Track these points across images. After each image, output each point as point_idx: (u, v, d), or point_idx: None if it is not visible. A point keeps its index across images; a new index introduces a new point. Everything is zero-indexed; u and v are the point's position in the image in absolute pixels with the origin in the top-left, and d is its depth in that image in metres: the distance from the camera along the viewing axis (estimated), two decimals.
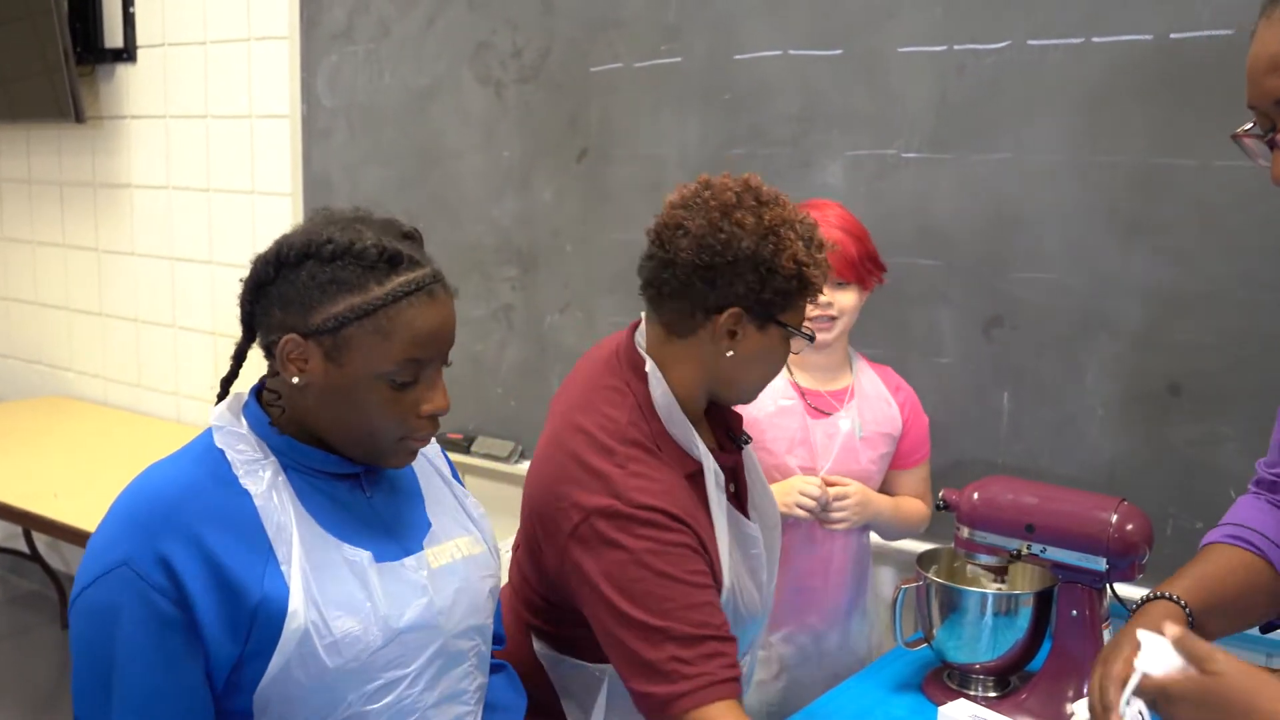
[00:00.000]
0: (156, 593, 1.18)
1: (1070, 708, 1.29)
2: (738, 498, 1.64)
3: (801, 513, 2.01)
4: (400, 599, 1.30)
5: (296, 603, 1.22)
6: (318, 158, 3.27)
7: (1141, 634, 1.16)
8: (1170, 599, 1.31)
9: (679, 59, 2.59)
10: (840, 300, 2.03)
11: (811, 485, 2.01)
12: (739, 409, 1.69)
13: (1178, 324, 2.04)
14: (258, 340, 1.31)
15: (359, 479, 1.35)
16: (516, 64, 2.86)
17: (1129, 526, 1.74)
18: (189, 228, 3.65)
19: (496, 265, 2.95)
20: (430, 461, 1.48)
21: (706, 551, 1.49)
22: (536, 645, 1.64)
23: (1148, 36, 2.02)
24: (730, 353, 1.50)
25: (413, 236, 1.32)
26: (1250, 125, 1.20)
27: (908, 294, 2.30)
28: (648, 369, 1.53)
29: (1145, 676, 1.11)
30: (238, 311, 1.32)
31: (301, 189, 3.31)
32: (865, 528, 2.14)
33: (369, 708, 1.26)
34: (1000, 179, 2.20)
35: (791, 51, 2.42)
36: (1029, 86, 2.15)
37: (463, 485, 1.51)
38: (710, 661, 1.40)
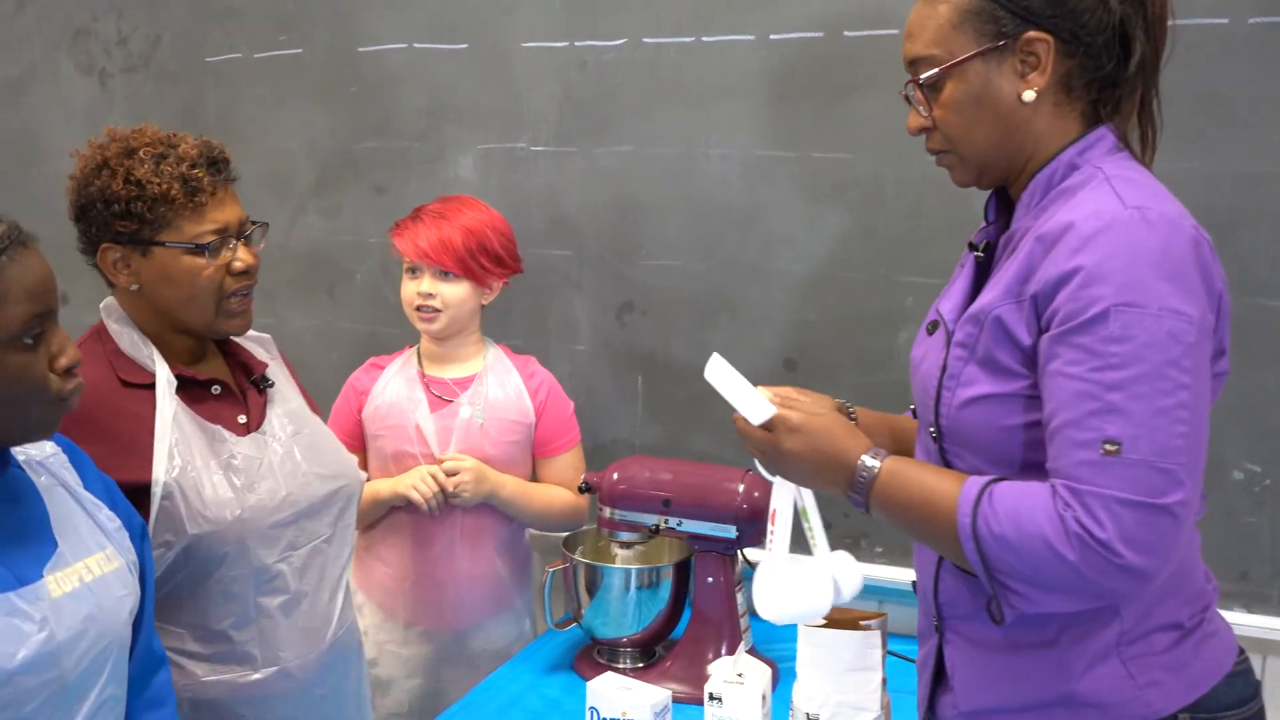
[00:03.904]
0: None
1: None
2: (246, 424, 1.66)
3: (418, 497, 2.03)
4: (12, 636, 1.17)
5: None
6: None
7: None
8: (843, 402, 1.49)
9: (299, 50, 2.51)
10: (445, 292, 2.05)
11: (424, 479, 2.04)
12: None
13: (789, 304, 2.21)
14: None
15: None
16: (123, 52, 2.68)
17: (755, 494, 1.87)
18: None
19: None
20: (54, 474, 1.33)
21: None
22: None
23: (750, 37, 2.16)
24: (134, 286, 1.60)
25: None
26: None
27: (543, 284, 2.35)
28: (101, 306, 1.65)
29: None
30: None
31: None
32: (510, 520, 2.16)
33: None
34: (624, 171, 2.28)
35: (416, 45, 2.41)
36: (646, 82, 2.24)
37: (106, 492, 1.37)
38: None
